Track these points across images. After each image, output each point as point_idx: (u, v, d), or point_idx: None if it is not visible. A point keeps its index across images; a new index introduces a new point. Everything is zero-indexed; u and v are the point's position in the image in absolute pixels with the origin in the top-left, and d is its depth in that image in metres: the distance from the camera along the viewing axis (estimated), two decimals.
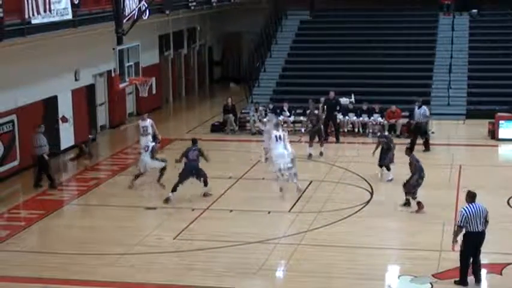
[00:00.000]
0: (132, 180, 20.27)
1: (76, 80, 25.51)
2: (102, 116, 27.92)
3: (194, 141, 19.75)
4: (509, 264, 14.64)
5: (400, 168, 20.57)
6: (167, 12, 28.24)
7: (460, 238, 13.78)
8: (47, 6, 19.47)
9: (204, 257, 15.31)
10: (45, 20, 19.71)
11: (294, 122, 27.69)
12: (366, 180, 20.76)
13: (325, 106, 26.27)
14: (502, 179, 20.94)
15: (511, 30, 33.77)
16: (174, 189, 18.95)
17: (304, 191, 19.84)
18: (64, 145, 24.60)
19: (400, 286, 14.11)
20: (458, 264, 14.39)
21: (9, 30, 18.58)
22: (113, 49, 21.03)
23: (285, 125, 26.98)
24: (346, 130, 27.18)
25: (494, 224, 16.99)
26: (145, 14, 24.27)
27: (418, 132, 24.39)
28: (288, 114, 27.79)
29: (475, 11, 34.76)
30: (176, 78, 35.01)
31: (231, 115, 27.85)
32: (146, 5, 23.91)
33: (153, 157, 20.02)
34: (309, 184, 20.49)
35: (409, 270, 14.53)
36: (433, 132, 25.68)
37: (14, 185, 20.61)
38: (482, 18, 34.93)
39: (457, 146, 25.48)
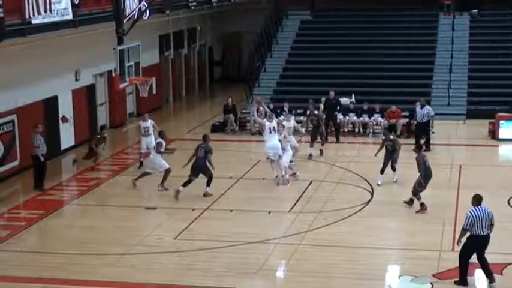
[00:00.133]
0: (135, 179, 20.21)
1: (76, 80, 25.51)
2: (102, 116, 27.92)
3: (204, 138, 19.84)
4: (509, 264, 14.65)
5: (403, 168, 20.59)
6: (167, 12, 28.24)
7: (463, 239, 13.78)
8: (48, 7, 19.48)
9: (204, 257, 15.31)
10: (46, 20, 19.71)
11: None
12: (366, 180, 20.75)
13: (325, 106, 26.27)
14: (502, 179, 20.93)
15: (511, 30, 33.77)
16: (184, 185, 19.14)
17: (305, 191, 19.85)
18: (64, 145, 24.59)
19: (400, 286, 14.11)
20: (457, 264, 14.41)
21: (10, 30, 18.57)
22: (113, 49, 21.04)
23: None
24: (346, 130, 27.18)
25: (494, 225, 17.04)
26: (146, 14, 24.29)
27: (420, 131, 24.33)
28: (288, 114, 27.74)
29: (475, 11, 34.77)
30: (176, 78, 35.02)
31: (231, 115, 27.86)
32: (146, 5, 23.92)
33: (161, 152, 19.94)
34: (309, 184, 20.50)
35: (409, 270, 14.53)
36: (433, 132, 25.65)
37: (14, 185, 20.61)
38: (483, 18, 34.94)
39: (458, 146, 25.49)
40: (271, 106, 28.21)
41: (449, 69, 31.03)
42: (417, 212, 17.93)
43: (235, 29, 39.11)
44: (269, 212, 18.33)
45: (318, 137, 23.70)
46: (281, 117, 27.35)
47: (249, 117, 28.06)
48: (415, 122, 24.94)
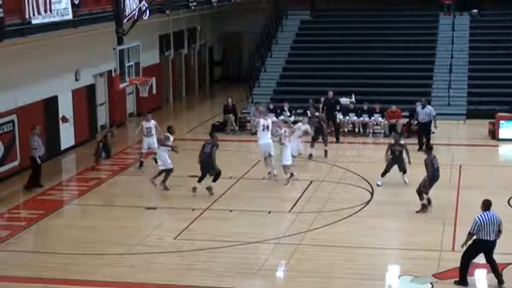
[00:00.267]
0: (153, 178, 20.12)
1: (76, 80, 25.51)
2: (102, 116, 27.92)
3: (211, 135, 20.04)
4: (509, 264, 14.64)
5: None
6: (167, 12, 28.24)
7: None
8: (48, 6, 19.47)
9: (204, 257, 15.31)
10: (46, 20, 19.70)
11: (294, 122, 27.63)
12: (366, 180, 20.75)
13: (325, 106, 26.29)
14: (502, 179, 20.93)
15: (511, 30, 33.78)
16: (199, 180, 19.39)
17: (305, 191, 19.86)
18: (64, 145, 24.59)
19: (400, 286, 14.11)
20: (458, 264, 14.41)
21: (10, 30, 18.56)
22: (113, 49, 21.04)
23: (286, 124, 26.95)
24: (346, 130, 27.17)
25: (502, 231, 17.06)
26: (146, 14, 24.29)
27: (422, 132, 24.26)
28: (288, 114, 27.79)
29: (475, 11, 34.76)
30: (176, 78, 35.01)
31: (231, 115, 27.87)
32: (146, 5, 23.92)
33: (166, 145, 19.90)
34: (309, 184, 20.50)
35: (409, 270, 14.53)
36: (433, 133, 25.64)
37: (14, 185, 20.60)
38: (483, 18, 34.94)
39: (458, 146, 25.49)
40: (271, 106, 28.27)
41: (449, 69, 31.02)
42: (417, 211, 17.91)
43: (235, 29, 39.11)
44: (269, 212, 18.33)
45: (320, 138, 23.62)
46: (281, 117, 27.49)
47: (249, 117, 28.08)
48: (416, 122, 24.95)
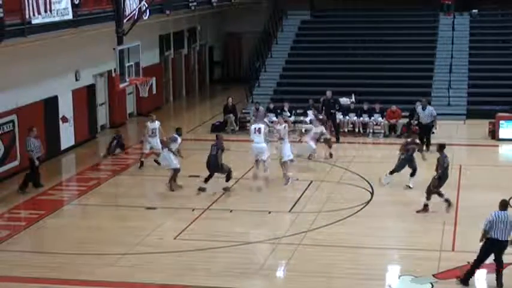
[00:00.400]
0: (173, 183, 20.01)
1: (76, 80, 25.51)
2: (102, 116, 27.92)
3: (217, 137, 20.15)
4: (509, 264, 14.62)
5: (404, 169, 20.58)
6: (167, 12, 28.24)
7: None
8: (48, 6, 19.48)
9: (204, 257, 15.31)
10: (46, 20, 19.71)
11: (294, 122, 27.67)
12: (366, 180, 20.74)
13: (324, 106, 26.31)
14: (502, 179, 20.92)
15: (511, 30, 33.78)
16: (205, 181, 19.48)
17: (305, 191, 19.86)
18: (64, 145, 24.58)
19: (400, 286, 14.11)
20: (458, 264, 14.47)
21: (10, 31, 18.57)
22: (114, 49, 21.05)
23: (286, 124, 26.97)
24: (346, 130, 27.17)
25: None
26: (146, 14, 24.29)
27: (424, 132, 24.20)
28: (288, 114, 27.79)
29: (475, 11, 34.76)
30: (176, 78, 35.01)
31: (231, 115, 27.87)
32: (146, 5, 23.93)
33: (169, 148, 19.87)
34: (309, 184, 20.50)
35: (409, 270, 14.53)
36: (433, 132, 25.66)
37: (14, 185, 20.58)
38: (483, 18, 34.95)
39: (458, 146, 25.44)
40: (271, 106, 28.27)
41: (450, 69, 31.03)
42: (418, 211, 17.88)
43: (235, 29, 39.11)
44: (269, 212, 18.33)
45: (321, 139, 23.51)
46: (283, 117, 27.49)
47: (249, 117, 28.09)
48: (415, 122, 24.92)
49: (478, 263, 13.76)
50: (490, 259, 14.98)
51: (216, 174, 19.75)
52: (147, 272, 14.53)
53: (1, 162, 21.30)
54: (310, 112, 27.36)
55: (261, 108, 27.69)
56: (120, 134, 24.57)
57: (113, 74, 23.64)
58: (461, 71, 31.28)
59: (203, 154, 20.45)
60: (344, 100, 27.71)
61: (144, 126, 22.98)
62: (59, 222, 18.02)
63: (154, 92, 23.57)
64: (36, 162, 20.03)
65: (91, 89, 26.60)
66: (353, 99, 28.14)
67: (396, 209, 18.47)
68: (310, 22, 36.51)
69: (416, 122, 24.65)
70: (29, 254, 15.92)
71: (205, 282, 14.09)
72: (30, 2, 18.80)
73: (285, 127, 20.88)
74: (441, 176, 17.77)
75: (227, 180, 19.69)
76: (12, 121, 21.71)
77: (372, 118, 26.96)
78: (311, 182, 20.71)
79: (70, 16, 20.85)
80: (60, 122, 24.37)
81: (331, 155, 23.37)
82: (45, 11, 19.42)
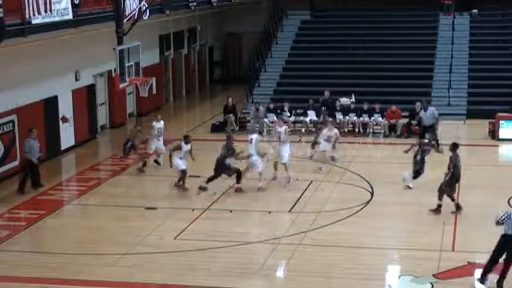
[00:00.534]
0: (180, 185, 19.91)
1: (76, 80, 25.51)
2: (102, 116, 27.92)
3: (227, 137, 20.19)
4: None
5: (403, 169, 20.56)
6: (167, 12, 28.24)
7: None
8: (48, 6, 19.48)
9: (204, 257, 15.31)
10: (46, 20, 19.71)
11: (294, 122, 27.70)
12: (366, 180, 20.74)
13: (323, 106, 26.35)
14: (502, 179, 20.93)
15: (511, 30, 33.78)
16: (208, 181, 19.44)
17: (305, 191, 19.86)
18: (64, 145, 24.58)
19: (400, 286, 14.10)
20: (458, 264, 14.49)
21: (10, 30, 18.58)
22: (114, 49, 21.05)
23: (286, 124, 26.96)
24: (346, 130, 27.15)
25: (493, 224, 17.03)
26: (146, 14, 24.30)
27: (431, 132, 24.13)
28: (288, 114, 27.80)
29: (475, 11, 34.76)
30: (176, 78, 35.01)
31: (231, 115, 27.88)
32: (146, 5, 23.93)
33: (170, 155, 19.76)
34: (309, 184, 20.50)
35: (409, 270, 14.52)
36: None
37: (14, 185, 20.57)
38: (483, 18, 34.95)
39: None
40: (271, 106, 28.28)
41: (450, 69, 31.02)
42: (430, 210, 17.75)
43: (235, 29, 39.11)
44: (269, 212, 18.34)
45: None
46: (282, 117, 27.50)
47: (249, 117, 28.10)
48: (415, 122, 24.86)
49: (493, 260, 13.66)
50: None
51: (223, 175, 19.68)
52: (147, 272, 14.53)
53: (1, 163, 21.30)
54: (310, 112, 27.40)
55: (261, 108, 27.71)
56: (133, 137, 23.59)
57: (113, 74, 23.64)
58: (461, 71, 31.27)
59: (203, 154, 20.47)
60: (344, 100, 27.73)
61: (150, 127, 22.81)
62: (59, 222, 18.02)
63: (154, 92, 23.57)
64: (36, 161, 19.99)
65: (91, 89, 26.61)
66: (353, 99, 28.16)
67: (396, 209, 18.47)
68: (310, 22, 36.51)
69: (416, 122, 24.59)
70: (29, 254, 15.93)
71: (205, 282, 14.09)
72: (30, 2, 18.80)
73: (285, 130, 20.69)
74: (454, 175, 17.63)
75: (238, 182, 19.63)
76: (12, 121, 21.72)
77: (372, 118, 26.96)
78: (311, 182, 20.70)
79: (70, 16, 20.85)
80: (60, 122, 24.38)
81: (333, 158, 23.31)
82: (45, 11, 19.43)
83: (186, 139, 19.84)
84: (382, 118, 26.90)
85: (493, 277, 14.09)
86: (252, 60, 33.28)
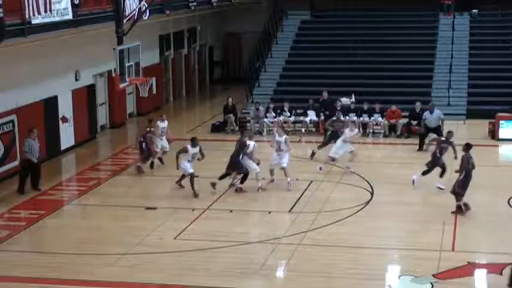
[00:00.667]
0: (180, 184, 19.86)
1: (76, 80, 25.51)
2: (102, 116, 27.92)
3: (241, 132, 20.27)
4: (509, 264, 14.62)
5: (403, 169, 20.58)
6: (167, 12, 28.24)
7: None
8: (48, 6, 19.47)
9: (204, 257, 15.31)
10: (46, 20, 19.70)
11: (294, 122, 27.70)
12: (366, 180, 20.74)
13: (322, 107, 26.40)
14: (502, 179, 20.93)
15: (511, 30, 33.78)
16: (220, 178, 19.51)
17: (305, 191, 19.85)
18: (64, 145, 24.58)
19: (400, 286, 14.10)
20: (458, 264, 14.50)
21: (10, 30, 18.57)
22: (113, 49, 21.04)
23: (286, 125, 27.02)
24: None
25: (494, 224, 17.05)
26: (146, 14, 24.29)
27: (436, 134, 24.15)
28: (288, 114, 27.80)
29: (475, 11, 34.77)
30: (176, 78, 35.02)
31: (231, 115, 27.88)
32: (146, 5, 23.92)
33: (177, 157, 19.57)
34: (309, 184, 20.49)
35: (409, 270, 14.52)
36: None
37: (14, 185, 20.56)
38: (483, 18, 34.95)
39: (457, 146, 25.37)
40: (271, 106, 28.27)
41: (449, 69, 31.03)
42: (452, 212, 17.59)
43: (236, 29, 39.11)
44: (269, 212, 18.34)
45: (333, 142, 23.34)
46: (281, 118, 27.51)
47: (249, 117, 28.11)
48: (415, 122, 24.79)
49: None
50: (490, 259, 15.05)
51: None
52: (147, 272, 14.53)
53: (1, 163, 21.30)
54: (310, 112, 27.40)
55: (261, 108, 27.72)
56: (145, 135, 22.64)
57: (113, 74, 23.63)
58: (461, 71, 31.28)
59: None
60: (344, 100, 27.73)
61: (155, 126, 22.73)
62: (59, 222, 18.02)
63: (154, 92, 23.55)
64: (35, 161, 19.96)
65: (91, 89, 26.61)
66: (353, 99, 28.15)
67: (396, 209, 18.47)
68: (310, 22, 36.51)
69: (423, 126, 24.40)
70: (28, 254, 15.93)
71: (205, 282, 14.09)
72: (30, 2, 18.79)
73: (285, 140, 20.21)
74: (466, 176, 17.54)
75: (241, 182, 19.62)
76: (12, 121, 21.71)
77: (372, 118, 26.95)
78: (311, 182, 20.70)
79: (70, 16, 20.85)
80: (60, 122, 24.38)
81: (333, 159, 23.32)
82: (45, 11, 19.42)
83: (193, 142, 19.57)
84: (382, 118, 26.89)
85: (493, 277, 14.13)
86: (252, 60, 33.28)
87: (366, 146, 26.01)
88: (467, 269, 14.49)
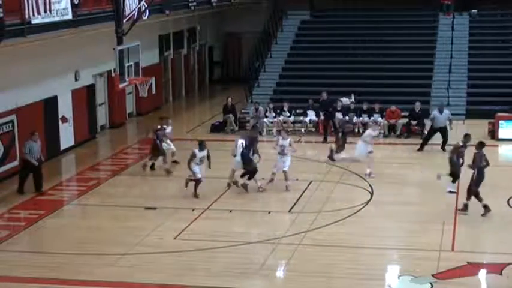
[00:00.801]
0: (192, 188, 19.65)
1: (76, 80, 25.51)
2: (102, 116, 27.92)
3: (253, 127, 19.88)
4: (509, 264, 14.63)
5: (402, 169, 20.58)
6: (167, 12, 28.23)
7: None
8: (47, 6, 19.47)
9: (204, 257, 15.31)
10: (45, 20, 19.70)
11: (294, 122, 27.69)
12: (365, 180, 20.74)
13: (321, 107, 26.42)
14: (502, 179, 20.90)
15: (511, 30, 33.80)
16: (241, 175, 19.49)
17: (304, 191, 19.85)
18: (64, 145, 24.57)
19: (400, 286, 14.10)
20: (458, 264, 14.50)
21: (10, 31, 18.56)
22: (113, 49, 21.03)
23: (285, 125, 27.02)
24: (345, 130, 27.08)
25: (493, 224, 17.06)
26: (145, 14, 24.29)
27: (442, 134, 24.14)
28: (288, 114, 27.80)
29: (474, 11, 34.78)
30: (176, 78, 35.01)
31: (231, 115, 27.88)
32: (146, 5, 23.92)
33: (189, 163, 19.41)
34: (309, 184, 20.49)
35: (409, 270, 14.52)
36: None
37: (14, 185, 20.56)
38: (482, 18, 34.95)
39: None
40: (271, 106, 28.27)
41: (449, 69, 31.03)
42: (482, 215, 17.44)
43: (235, 29, 39.11)
44: (269, 212, 18.34)
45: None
46: (281, 118, 27.51)
47: (249, 117, 28.10)
48: (416, 123, 24.76)
49: None
50: (489, 259, 15.05)
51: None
52: (146, 272, 14.52)
53: (1, 163, 21.29)
54: (309, 112, 27.40)
55: (261, 108, 27.71)
56: (157, 133, 22.32)
57: (113, 74, 23.62)
58: (460, 71, 31.28)
59: None
60: (344, 100, 27.72)
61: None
62: (59, 222, 18.02)
63: (153, 92, 23.54)
64: (36, 163, 19.90)
65: (91, 89, 26.60)
66: (352, 99, 28.13)
67: (396, 209, 18.47)
68: (310, 22, 36.51)
69: (431, 125, 24.40)
70: (28, 254, 15.93)
71: (205, 282, 14.09)
72: (30, 2, 18.79)
73: (290, 142, 20.05)
74: (479, 175, 17.49)
75: (248, 179, 19.61)
76: (12, 121, 21.70)
77: (372, 118, 26.94)
78: (311, 182, 20.70)
79: (70, 16, 20.84)
80: (60, 122, 24.37)
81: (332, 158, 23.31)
82: (45, 11, 19.42)
83: (201, 146, 19.41)
84: (382, 118, 26.89)
85: (492, 277, 14.13)
86: (252, 60, 33.28)
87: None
88: (467, 269, 14.49)
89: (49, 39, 21.86)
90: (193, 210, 18.31)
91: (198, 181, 19.33)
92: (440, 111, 24.43)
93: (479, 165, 17.55)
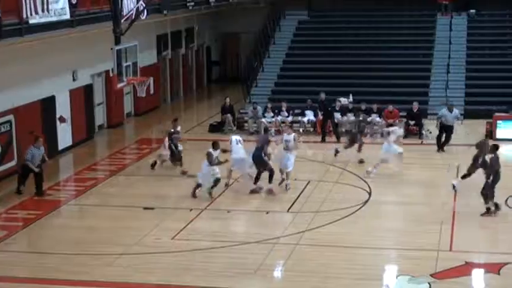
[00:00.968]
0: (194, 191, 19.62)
1: (74, 80, 25.49)
2: (100, 116, 27.90)
3: (265, 130, 19.78)
4: (507, 263, 14.64)
5: (397, 168, 20.58)
6: (165, 12, 28.21)
7: None
8: (45, 6, 19.44)
9: (202, 257, 15.30)
10: (43, 20, 19.67)
11: (292, 122, 27.65)
12: (364, 180, 20.74)
13: (321, 107, 26.43)
14: (500, 179, 20.87)
15: (509, 30, 33.82)
16: (255, 180, 19.46)
17: (302, 191, 19.85)
18: (62, 145, 24.55)
19: (398, 286, 14.10)
20: (456, 264, 14.49)
21: (7, 30, 18.54)
22: (111, 49, 21.01)
23: (283, 124, 26.97)
24: (344, 130, 27.10)
25: (491, 224, 17.06)
26: (143, 14, 24.26)
27: (445, 133, 24.22)
28: (286, 114, 27.79)
29: (472, 11, 34.79)
30: (174, 78, 35.00)
31: (229, 115, 27.87)
32: (144, 5, 23.89)
33: (213, 164, 19.20)
34: (307, 184, 20.49)
35: (407, 270, 14.52)
36: (430, 132, 25.73)
37: (12, 185, 20.54)
38: (480, 18, 34.97)
39: (455, 146, 25.43)
40: (269, 106, 28.28)
41: (447, 69, 31.05)
42: (482, 215, 17.45)
43: (233, 29, 39.09)
44: (267, 212, 18.33)
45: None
46: (279, 118, 27.50)
47: (247, 117, 28.10)
48: (414, 123, 24.73)
49: None
50: (487, 259, 15.05)
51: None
52: (144, 272, 14.52)
53: None
54: (308, 112, 27.41)
55: (259, 108, 27.71)
56: (173, 137, 22.12)
57: (111, 74, 23.61)
58: (458, 71, 31.30)
59: (200, 154, 20.39)
60: (343, 100, 27.72)
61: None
62: (57, 222, 18.01)
63: (151, 91, 23.53)
64: (36, 170, 19.79)
65: (88, 89, 26.58)
66: (351, 99, 28.13)
67: (394, 209, 18.48)
68: (308, 22, 36.51)
69: (440, 123, 24.41)
70: (26, 254, 15.91)
71: (203, 282, 14.08)
72: (28, 1, 18.76)
73: (294, 137, 19.98)
74: (495, 177, 17.45)
75: (270, 181, 19.47)
76: (9, 121, 21.68)
77: (370, 118, 26.91)
78: (309, 182, 20.70)
79: (67, 16, 20.81)
80: (58, 122, 24.35)
81: (336, 152, 23.26)
82: (43, 11, 19.39)
83: (214, 145, 19.37)
84: (380, 118, 26.89)
85: (490, 277, 14.13)
86: (250, 60, 33.28)
87: (364, 146, 25.97)
88: (465, 269, 14.50)
89: (47, 39, 21.84)
90: (191, 210, 18.30)
91: (198, 185, 19.29)
92: (450, 110, 24.46)
93: (495, 169, 17.46)
